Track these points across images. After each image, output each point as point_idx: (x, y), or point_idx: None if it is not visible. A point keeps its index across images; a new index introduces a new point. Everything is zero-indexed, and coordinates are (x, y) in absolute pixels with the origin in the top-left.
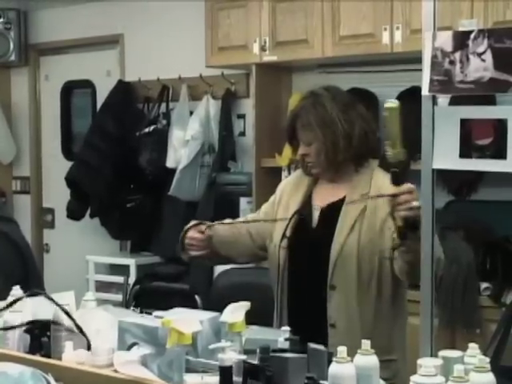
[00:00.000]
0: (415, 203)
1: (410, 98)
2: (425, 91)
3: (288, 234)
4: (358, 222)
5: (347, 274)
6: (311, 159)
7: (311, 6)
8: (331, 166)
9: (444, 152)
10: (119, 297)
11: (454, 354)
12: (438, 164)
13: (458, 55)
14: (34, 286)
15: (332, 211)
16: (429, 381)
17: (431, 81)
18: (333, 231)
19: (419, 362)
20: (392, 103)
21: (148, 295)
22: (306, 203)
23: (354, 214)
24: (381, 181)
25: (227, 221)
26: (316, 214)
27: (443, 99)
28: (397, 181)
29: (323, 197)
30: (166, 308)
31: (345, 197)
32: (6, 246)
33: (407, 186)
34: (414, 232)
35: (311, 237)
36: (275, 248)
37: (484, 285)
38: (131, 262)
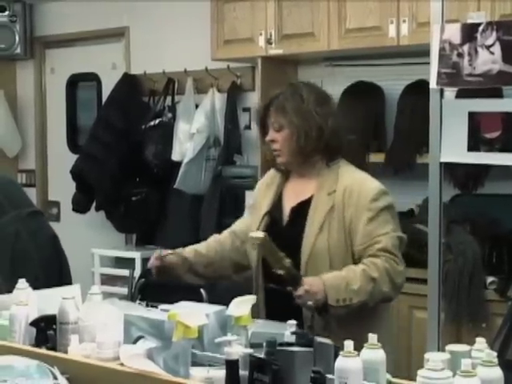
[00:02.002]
0: (310, 303)
1: (417, 91)
2: (433, 84)
3: None
4: (326, 221)
5: (320, 275)
6: (279, 146)
7: None
8: (299, 154)
9: (452, 145)
10: (124, 290)
11: (462, 348)
12: (446, 157)
13: (466, 48)
14: (66, 278)
15: (301, 210)
16: (436, 375)
17: (439, 74)
18: (303, 231)
19: (426, 356)
20: (256, 234)
21: (153, 289)
22: (277, 203)
23: (323, 214)
24: (346, 179)
25: (204, 244)
26: (286, 214)
27: (449, 92)
28: (294, 285)
29: (293, 195)
30: (171, 302)
31: (313, 195)
32: (44, 239)
33: (303, 288)
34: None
35: (282, 237)
36: (249, 250)
37: (490, 279)
38: (136, 255)
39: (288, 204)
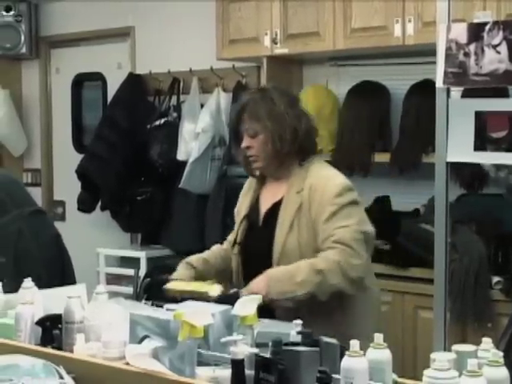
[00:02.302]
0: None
1: (422, 91)
2: (439, 83)
3: (238, 239)
4: (295, 219)
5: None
6: (255, 152)
7: None
8: (275, 158)
9: (458, 145)
10: (130, 289)
11: (468, 348)
12: (453, 157)
13: (472, 47)
14: (69, 276)
15: (274, 211)
16: (442, 375)
17: (445, 73)
18: (275, 231)
19: (432, 355)
20: (169, 285)
21: (158, 288)
22: (254, 207)
23: (292, 213)
24: (313, 176)
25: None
26: (261, 216)
27: (455, 92)
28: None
29: (268, 198)
30: (176, 301)
31: (284, 195)
32: (47, 238)
33: (245, 289)
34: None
35: (257, 239)
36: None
37: (496, 279)
38: (142, 254)
39: (264, 207)
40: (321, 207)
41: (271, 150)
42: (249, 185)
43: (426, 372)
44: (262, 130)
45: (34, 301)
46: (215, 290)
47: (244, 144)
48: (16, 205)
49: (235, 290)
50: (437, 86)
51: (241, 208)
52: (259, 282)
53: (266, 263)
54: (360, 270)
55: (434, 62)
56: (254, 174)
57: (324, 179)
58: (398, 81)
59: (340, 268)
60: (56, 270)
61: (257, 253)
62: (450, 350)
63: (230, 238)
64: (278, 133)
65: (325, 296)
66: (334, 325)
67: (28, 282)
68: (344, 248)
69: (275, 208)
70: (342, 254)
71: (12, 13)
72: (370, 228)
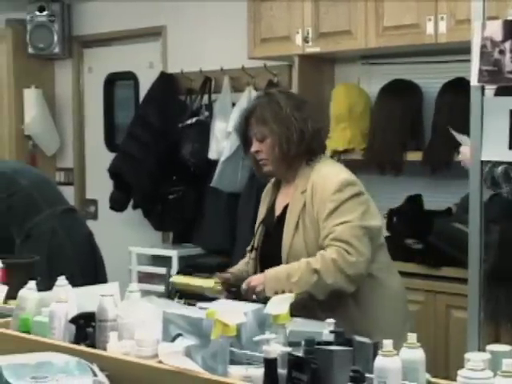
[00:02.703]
0: (253, 296)
1: (455, 89)
2: (474, 82)
3: (255, 244)
4: (300, 219)
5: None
6: (264, 155)
7: None
8: (284, 160)
9: (493, 144)
10: (161, 288)
11: (502, 348)
12: (487, 156)
13: (508, 45)
14: (101, 274)
15: (284, 214)
16: (477, 375)
17: (480, 71)
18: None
19: (467, 356)
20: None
21: None
22: (270, 212)
23: (296, 213)
24: (315, 175)
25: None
26: (275, 221)
27: (488, 90)
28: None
29: (281, 201)
30: (206, 300)
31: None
32: (80, 237)
33: (243, 286)
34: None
35: (271, 243)
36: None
37: None
38: (173, 253)
39: (277, 211)
40: (322, 205)
41: (279, 153)
42: (266, 191)
43: (461, 372)
44: (269, 134)
45: (67, 299)
46: (216, 290)
47: (253, 148)
48: (49, 204)
49: (235, 288)
50: (471, 84)
51: (259, 214)
52: (257, 278)
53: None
54: (360, 266)
55: (466, 60)
56: (266, 178)
57: (324, 177)
58: (430, 79)
59: (337, 267)
60: (89, 268)
61: (271, 257)
62: (483, 350)
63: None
64: (284, 136)
65: (322, 295)
66: (349, 321)
67: (62, 280)
68: (341, 245)
69: (285, 212)
70: (339, 252)
71: (45, 13)
72: (374, 222)
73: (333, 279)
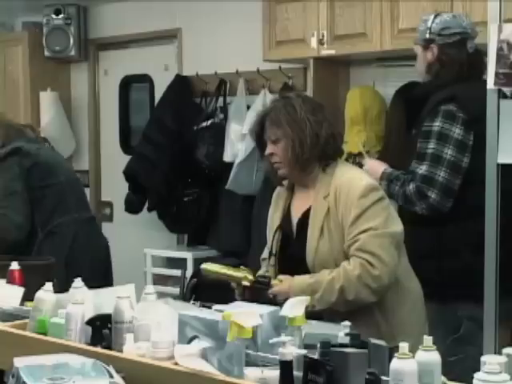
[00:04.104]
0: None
1: None
2: (490, 85)
3: (274, 250)
4: (325, 225)
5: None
6: (278, 158)
7: None
8: (297, 163)
9: (509, 146)
10: (176, 290)
11: None
12: (504, 158)
13: None
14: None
15: (305, 220)
16: (493, 378)
17: (497, 74)
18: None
19: (483, 358)
20: (205, 265)
21: (205, 289)
22: (286, 217)
23: (321, 218)
24: (338, 180)
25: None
26: (294, 226)
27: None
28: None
29: (298, 206)
30: (221, 302)
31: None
32: (98, 248)
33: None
34: None
35: (293, 249)
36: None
37: None
38: (188, 255)
39: (295, 216)
40: (347, 209)
41: (292, 156)
42: (277, 195)
43: (477, 375)
44: (282, 136)
45: (84, 301)
46: (248, 279)
47: (267, 151)
48: (77, 207)
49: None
50: (488, 87)
51: (273, 219)
52: (284, 288)
53: (302, 272)
54: (384, 278)
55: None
56: (281, 183)
57: (348, 181)
58: None
59: (361, 283)
60: (100, 278)
61: (293, 262)
62: (500, 353)
63: (265, 254)
64: (298, 139)
65: (343, 309)
66: (374, 326)
67: (78, 282)
68: (365, 257)
69: (306, 217)
70: (363, 266)
71: (61, 16)
72: (397, 227)
73: (355, 295)
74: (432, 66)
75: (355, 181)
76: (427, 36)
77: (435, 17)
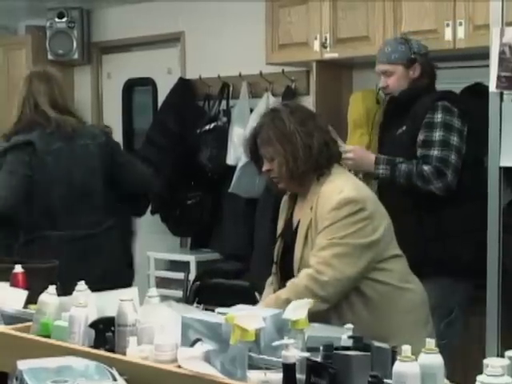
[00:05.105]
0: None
1: (473, 94)
2: (492, 88)
3: (275, 258)
4: (308, 235)
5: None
6: (275, 174)
7: (372, 2)
8: (294, 177)
9: None
10: (179, 293)
11: None
12: (506, 161)
13: None
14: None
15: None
16: (496, 381)
17: (499, 77)
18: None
19: (486, 361)
20: None
21: (208, 292)
22: (288, 226)
23: (305, 228)
24: (322, 191)
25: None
26: (293, 234)
27: (507, 95)
28: None
29: (297, 215)
30: (224, 305)
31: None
32: (93, 260)
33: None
34: None
35: (291, 258)
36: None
37: None
38: (191, 258)
39: (294, 225)
40: (321, 221)
41: (287, 172)
42: (283, 204)
43: (480, 378)
44: (275, 155)
45: (87, 303)
46: None
47: (264, 168)
48: (69, 226)
49: None
50: (490, 90)
51: (278, 227)
52: None
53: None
54: (334, 284)
55: (486, 66)
56: (284, 192)
57: (328, 193)
58: (449, 84)
59: (308, 291)
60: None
61: (289, 270)
62: (502, 356)
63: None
64: (291, 154)
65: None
66: (361, 327)
67: (82, 285)
68: (316, 266)
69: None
70: (310, 276)
71: (65, 19)
72: (370, 238)
73: None
74: (417, 80)
75: (333, 193)
76: (412, 56)
77: (407, 40)
